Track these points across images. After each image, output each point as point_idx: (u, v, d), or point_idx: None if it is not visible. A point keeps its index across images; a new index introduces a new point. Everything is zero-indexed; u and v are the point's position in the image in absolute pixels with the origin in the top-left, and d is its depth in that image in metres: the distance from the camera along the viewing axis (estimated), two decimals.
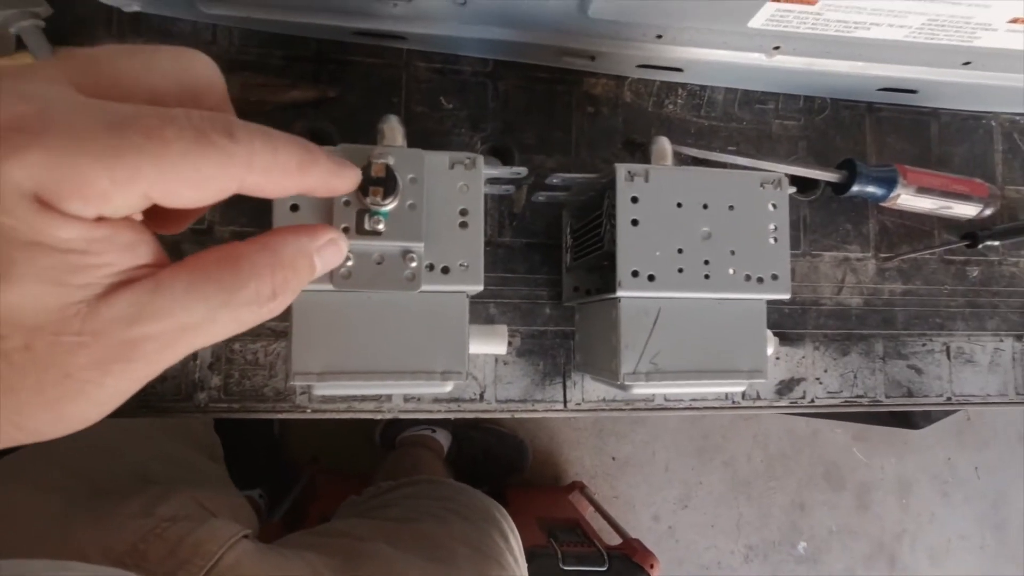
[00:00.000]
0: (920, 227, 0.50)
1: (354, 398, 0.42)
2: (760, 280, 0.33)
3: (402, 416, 0.43)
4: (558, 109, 0.46)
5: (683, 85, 0.48)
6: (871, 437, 1.55)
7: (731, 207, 0.33)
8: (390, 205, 0.29)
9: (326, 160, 0.21)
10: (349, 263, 0.29)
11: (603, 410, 0.45)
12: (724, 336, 0.34)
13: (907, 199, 0.46)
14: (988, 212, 0.48)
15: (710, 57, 0.42)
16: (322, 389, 0.32)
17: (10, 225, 0.15)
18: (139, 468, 0.51)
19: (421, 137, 0.44)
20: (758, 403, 0.46)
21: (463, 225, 0.31)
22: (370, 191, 0.27)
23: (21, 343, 0.16)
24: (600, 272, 0.42)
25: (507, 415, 0.44)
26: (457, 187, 0.31)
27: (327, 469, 1.25)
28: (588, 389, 0.44)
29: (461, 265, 0.30)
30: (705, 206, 0.33)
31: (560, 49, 0.42)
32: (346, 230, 0.29)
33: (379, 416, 0.43)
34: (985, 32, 0.39)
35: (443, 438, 1.24)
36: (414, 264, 0.30)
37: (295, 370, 0.30)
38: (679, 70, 0.45)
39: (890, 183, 0.46)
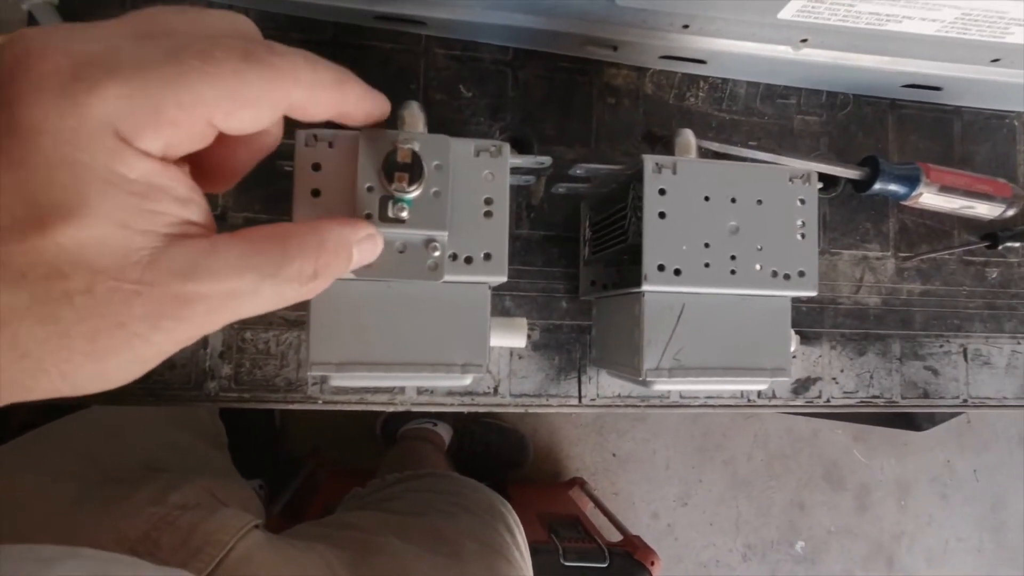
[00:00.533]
0: (940, 227, 0.49)
1: (367, 390, 0.41)
2: (787, 277, 0.33)
3: (415, 409, 0.42)
4: (578, 100, 0.45)
5: (705, 78, 0.47)
6: (871, 438, 1.55)
7: (759, 201, 0.33)
8: (415, 192, 0.28)
9: (359, 81, 0.22)
10: None
11: (618, 406, 0.44)
12: (748, 333, 0.34)
13: (929, 198, 0.46)
14: (1010, 213, 0.47)
15: (735, 49, 0.42)
16: (339, 380, 0.31)
17: (85, 161, 0.15)
18: (147, 457, 0.51)
19: (439, 125, 0.43)
20: (774, 402, 0.46)
21: (488, 215, 0.30)
22: (395, 177, 0.27)
23: (84, 285, 0.16)
24: (619, 267, 0.42)
25: (521, 410, 0.43)
26: (482, 175, 0.30)
27: (328, 461, 1.24)
28: (603, 384, 0.44)
29: (485, 255, 0.30)
30: (733, 200, 0.32)
31: (583, 38, 0.41)
32: (368, 216, 0.28)
33: (391, 408, 0.42)
34: (1019, 27, 0.38)
35: (445, 432, 1.24)
36: (437, 253, 0.29)
37: (313, 360, 0.30)
38: (702, 62, 0.44)
39: (913, 181, 0.45)
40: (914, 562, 1.52)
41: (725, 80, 0.47)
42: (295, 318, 0.41)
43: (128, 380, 0.18)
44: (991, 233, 0.48)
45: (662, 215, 0.32)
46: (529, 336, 0.36)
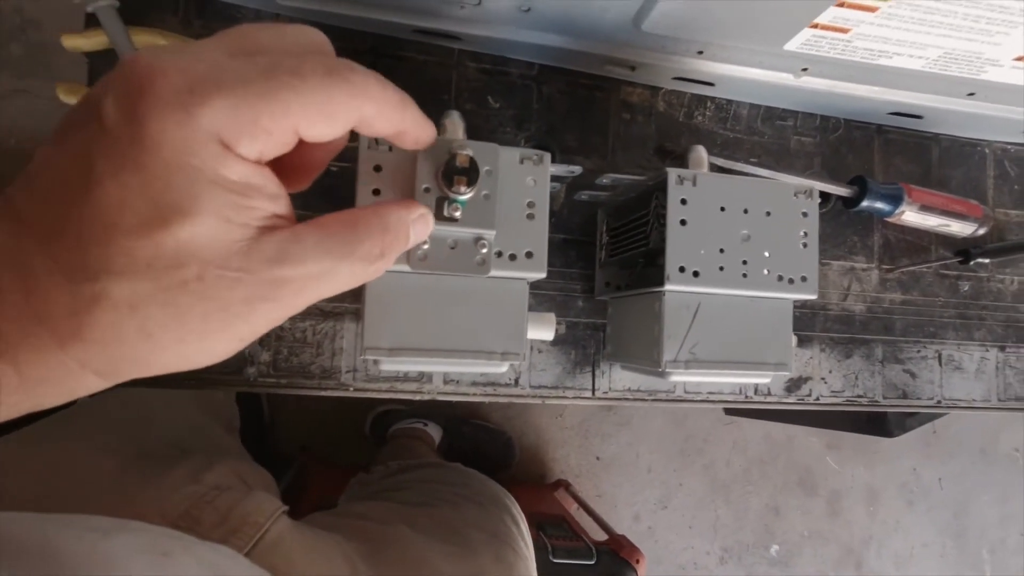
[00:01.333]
0: (919, 242, 0.54)
1: (397, 378, 0.44)
2: (791, 281, 0.36)
3: (440, 398, 0.45)
4: (597, 114, 0.49)
5: (712, 99, 0.51)
6: (843, 445, 1.61)
7: (768, 213, 0.36)
8: (468, 194, 0.31)
9: (417, 107, 0.25)
10: (425, 246, 0.32)
11: (628, 399, 0.47)
12: (755, 331, 0.37)
13: (911, 216, 0.50)
14: (981, 232, 0.52)
15: (742, 74, 0.46)
16: (389, 364, 0.34)
17: (196, 166, 0.18)
18: (175, 436, 0.52)
19: (469, 133, 0.46)
20: (769, 399, 0.50)
21: (530, 216, 0.33)
22: (455, 180, 0.30)
23: (195, 273, 0.18)
24: (632, 269, 0.45)
25: (538, 401, 0.46)
26: (526, 181, 0.33)
27: (318, 458, 1.25)
28: (615, 379, 0.47)
29: (527, 253, 0.33)
30: (745, 211, 0.36)
31: (605, 58, 0.45)
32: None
33: (419, 397, 0.45)
34: (992, 67, 0.43)
35: (435, 431, 1.26)
36: (485, 250, 0.32)
37: (366, 345, 0.32)
38: (711, 84, 0.48)
39: (896, 200, 0.49)
40: (882, 566, 1.58)
41: (730, 101, 0.51)
42: (331, 309, 0.43)
43: (229, 355, 0.21)
44: (964, 250, 0.53)
45: (683, 222, 0.35)
46: (557, 329, 0.39)
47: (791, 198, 0.37)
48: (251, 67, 0.19)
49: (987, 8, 0.36)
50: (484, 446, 1.36)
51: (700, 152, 0.41)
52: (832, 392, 0.51)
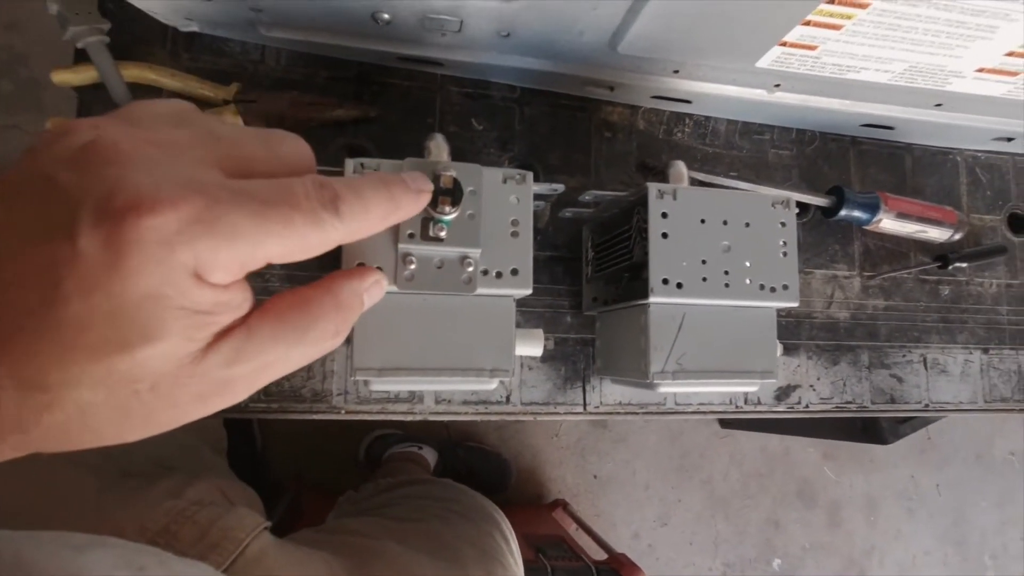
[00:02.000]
0: (898, 249, 0.55)
1: (389, 399, 0.44)
2: (772, 289, 0.37)
3: (431, 418, 0.45)
4: (578, 133, 0.50)
5: (690, 116, 0.52)
6: (840, 455, 1.61)
7: (747, 224, 0.37)
8: (453, 214, 0.32)
9: (408, 201, 0.24)
10: (412, 266, 0.32)
11: (619, 413, 0.48)
12: (740, 340, 0.38)
13: (888, 223, 0.51)
14: (957, 237, 0.53)
15: (718, 91, 0.47)
16: (380, 384, 0.34)
17: (167, 295, 0.18)
18: (159, 456, 0.52)
19: (453, 155, 0.47)
20: (759, 408, 0.50)
21: (514, 234, 0.34)
22: (439, 200, 0.30)
23: (150, 385, 0.19)
24: (619, 284, 0.46)
25: (530, 418, 0.47)
26: (509, 200, 0.34)
27: (312, 487, 1.23)
28: (606, 393, 0.48)
29: (512, 271, 0.34)
30: (725, 222, 0.37)
31: (584, 80, 0.46)
32: (411, 236, 0.32)
33: (410, 418, 0.45)
34: (956, 79, 0.44)
35: (430, 455, 1.25)
36: (471, 269, 0.33)
37: (356, 366, 0.33)
38: (688, 102, 0.50)
39: (874, 208, 0.51)
40: None
41: (708, 118, 0.53)
42: None
43: (172, 428, 0.21)
44: (942, 255, 0.54)
45: (665, 235, 0.36)
46: (546, 345, 0.40)
47: (769, 209, 0.38)
48: (243, 206, 0.19)
49: (947, 24, 0.38)
50: (480, 468, 1.35)
51: (680, 167, 0.42)
52: (821, 399, 0.51)
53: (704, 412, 0.49)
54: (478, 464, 1.35)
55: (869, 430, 1.05)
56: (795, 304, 0.38)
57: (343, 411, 0.44)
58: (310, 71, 0.45)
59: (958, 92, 0.46)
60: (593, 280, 0.47)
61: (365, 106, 0.45)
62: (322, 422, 0.44)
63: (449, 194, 0.30)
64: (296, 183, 0.20)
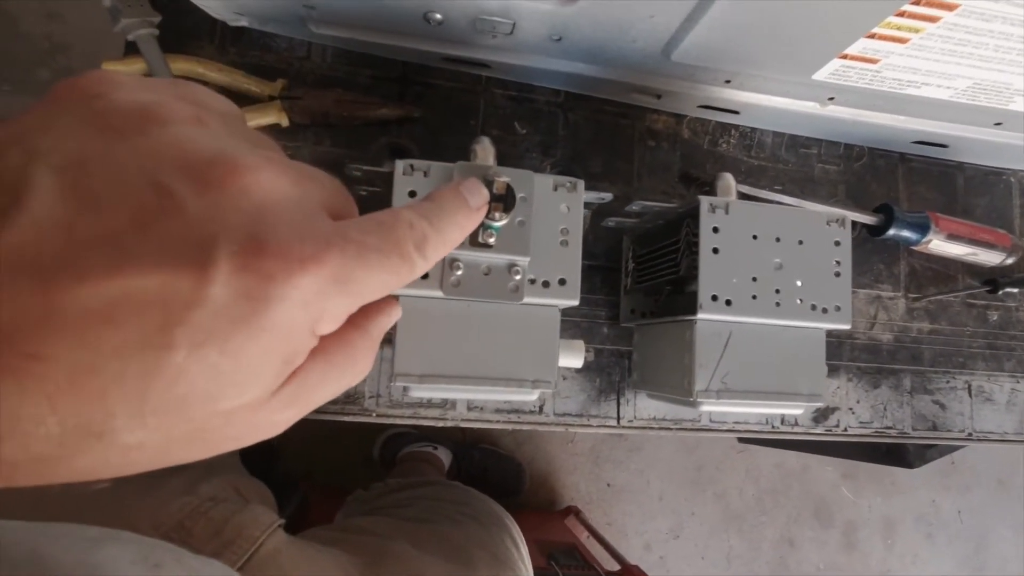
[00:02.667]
0: (946, 271, 0.54)
1: (420, 404, 0.43)
2: (824, 310, 0.36)
3: (463, 425, 0.44)
4: (622, 141, 0.49)
5: (736, 127, 0.51)
6: (859, 475, 1.58)
7: (800, 241, 0.36)
8: (503, 221, 0.31)
9: (472, 223, 0.24)
10: (459, 272, 0.31)
11: (653, 428, 0.47)
12: (787, 361, 0.37)
13: (938, 244, 0.50)
14: (1010, 261, 0.51)
15: (768, 103, 0.46)
16: (420, 391, 0.33)
17: (279, 349, 0.17)
18: None
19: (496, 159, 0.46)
20: (796, 429, 0.49)
21: (563, 243, 0.33)
22: (491, 206, 0.30)
23: (199, 426, 0.17)
24: (658, 297, 0.45)
25: (562, 429, 0.46)
26: (559, 208, 0.33)
27: (322, 486, 1.24)
28: (640, 407, 0.47)
29: (560, 281, 0.33)
30: (778, 239, 0.36)
31: (632, 86, 0.45)
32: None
33: (441, 424, 0.44)
34: (1021, 97, 0.43)
35: (444, 456, 1.24)
36: (518, 277, 0.32)
37: (397, 371, 0.32)
38: (736, 112, 0.49)
39: (923, 229, 0.49)
40: None
41: (754, 130, 0.51)
42: None
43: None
44: (992, 279, 0.53)
45: (716, 251, 0.35)
46: (586, 357, 0.39)
47: (823, 227, 0.37)
48: (365, 260, 0.18)
49: (1020, 40, 0.36)
50: (494, 472, 1.34)
51: (728, 180, 0.40)
52: (860, 423, 0.50)
53: (740, 431, 0.48)
54: (492, 467, 1.35)
55: (894, 453, 1.02)
56: (847, 327, 0.37)
57: (374, 414, 0.43)
58: (354, 69, 0.45)
59: (1021, 111, 0.45)
60: (632, 292, 0.46)
61: (409, 106, 0.44)
62: (352, 422, 0.43)
63: (502, 200, 0.30)
64: (396, 225, 0.20)
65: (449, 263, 0.31)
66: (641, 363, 0.45)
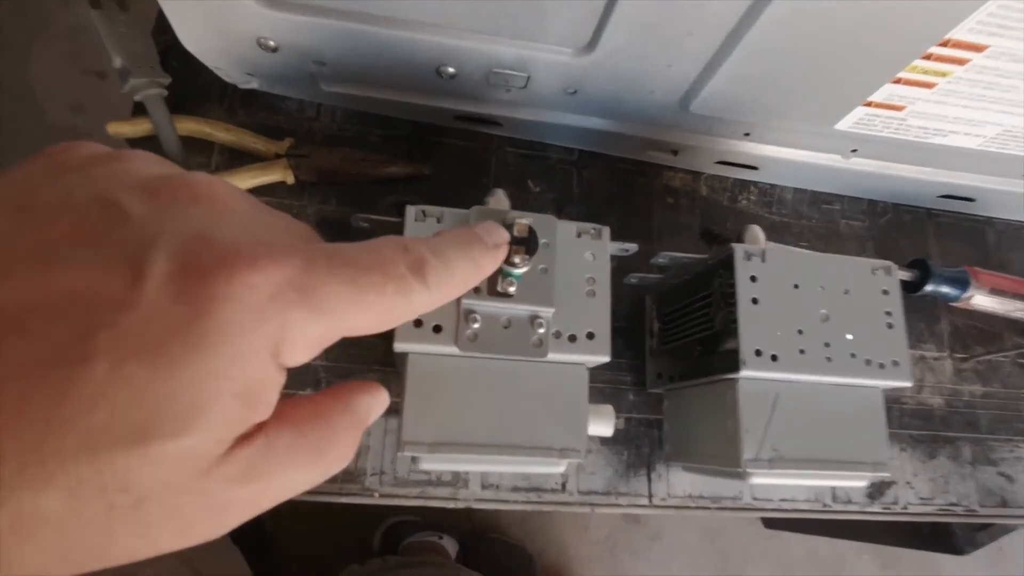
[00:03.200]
0: (990, 329, 0.50)
1: (428, 481, 0.39)
2: (881, 366, 0.32)
3: (476, 506, 0.40)
4: (639, 198, 0.47)
5: (755, 183, 0.50)
6: (900, 565, 1.45)
7: (846, 291, 0.33)
8: (524, 267, 0.28)
9: (488, 260, 0.22)
10: (476, 325, 0.28)
11: (689, 507, 0.42)
12: (843, 425, 0.33)
13: (980, 300, 0.47)
14: None
15: (788, 156, 0.45)
16: (431, 462, 0.29)
17: (232, 376, 0.13)
18: None
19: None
20: (850, 507, 0.43)
21: (590, 294, 0.30)
22: (511, 251, 0.27)
23: (134, 499, 0.13)
24: (687, 359, 0.41)
25: (587, 509, 0.41)
26: (584, 256, 0.31)
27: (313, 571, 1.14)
28: (674, 483, 0.42)
29: (588, 334, 0.30)
30: (821, 288, 0.33)
31: (647, 141, 0.44)
32: (476, 290, 0.28)
33: (451, 505, 0.39)
34: None
35: (450, 545, 1.16)
36: (542, 330, 0.29)
37: (405, 439, 0.28)
38: (754, 168, 0.47)
39: (963, 284, 0.46)
40: None
41: (773, 186, 0.50)
42: None
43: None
44: None
45: (755, 301, 0.32)
46: (616, 425, 0.35)
47: (869, 275, 0.34)
48: (340, 272, 0.16)
49: None
50: (503, 562, 1.24)
51: (756, 231, 0.38)
52: (921, 499, 0.45)
53: (787, 509, 0.43)
54: (501, 557, 1.25)
55: (939, 536, 0.93)
56: (907, 383, 0.33)
57: (377, 494, 0.38)
58: (364, 129, 0.44)
59: None
60: (658, 354, 0.43)
61: (418, 164, 0.43)
62: (351, 503, 0.38)
63: (524, 244, 0.27)
64: (383, 245, 0.17)
65: (465, 315, 0.28)
66: (674, 432, 0.41)
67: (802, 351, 0.32)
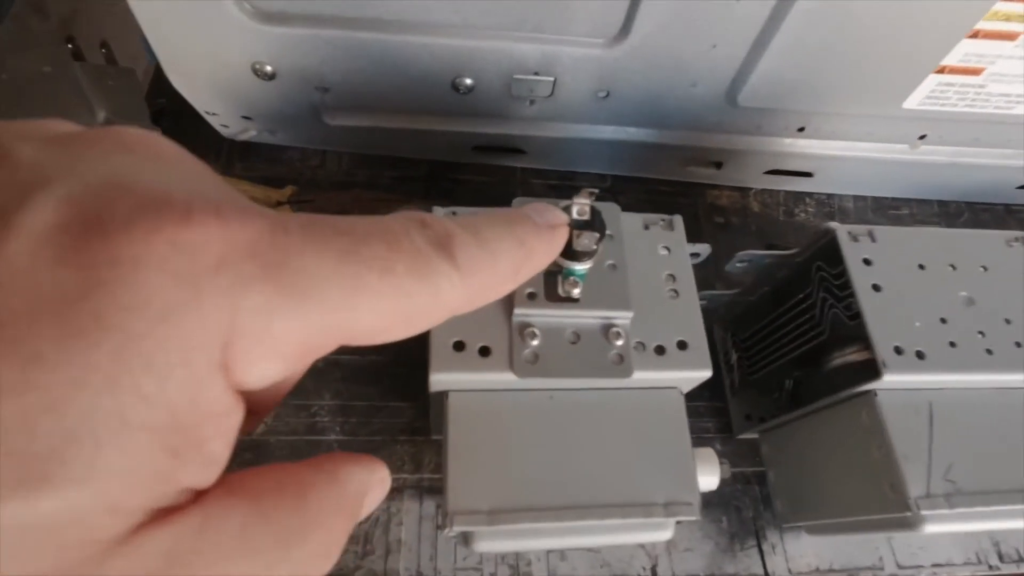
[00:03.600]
0: None
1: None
2: None
3: None
4: (686, 220, 0.42)
5: (810, 194, 0.44)
6: None
7: (984, 268, 0.27)
8: (588, 263, 0.22)
9: (541, 243, 0.16)
10: (535, 342, 0.22)
11: None
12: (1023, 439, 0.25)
13: None
14: None
15: (849, 153, 0.40)
16: (489, 540, 0.21)
17: (147, 393, 0.09)
18: None
19: None
20: (1023, 566, 0.34)
21: (673, 293, 0.24)
22: (573, 239, 0.21)
23: None
24: (776, 392, 0.34)
25: None
26: (658, 250, 0.25)
27: None
28: (793, 554, 0.32)
29: (679, 344, 0.23)
30: (953, 267, 0.26)
31: (688, 153, 0.40)
32: (531, 296, 0.22)
33: None
34: None
35: None
36: (621, 342, 0.22)
37: (453, 509, 0.21)
38: (809, 175, 0.42)
39: None
40: None
41: (831, 196, 0.45)
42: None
43: None
44: None
45: (876, 288, 0.25)
46: (723, 472, 0.27)
47: (1005, 248, 0.28)
48: (323, 241, 0.11)
49: None
50: None
51: (840, 229, 0.32)
52: None
53: None
54: None
55: None
56: None
57: None
58: (375, 172, 0.40)
59: None
60: (741, 391, 0.36)
61: (435, 202, 0.38)
62: None
63: (589, 227, 0.21)
64: (393, 218, 0.12)
65: (519, 330, 0.22)
66: (784, 484, 0.32)
67: (953, 344, 0.25)
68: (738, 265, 0.31)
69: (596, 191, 0.21)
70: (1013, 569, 0.34)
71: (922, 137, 0.39)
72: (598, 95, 0.34)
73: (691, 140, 0.38)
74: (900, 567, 0.33)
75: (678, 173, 0.42)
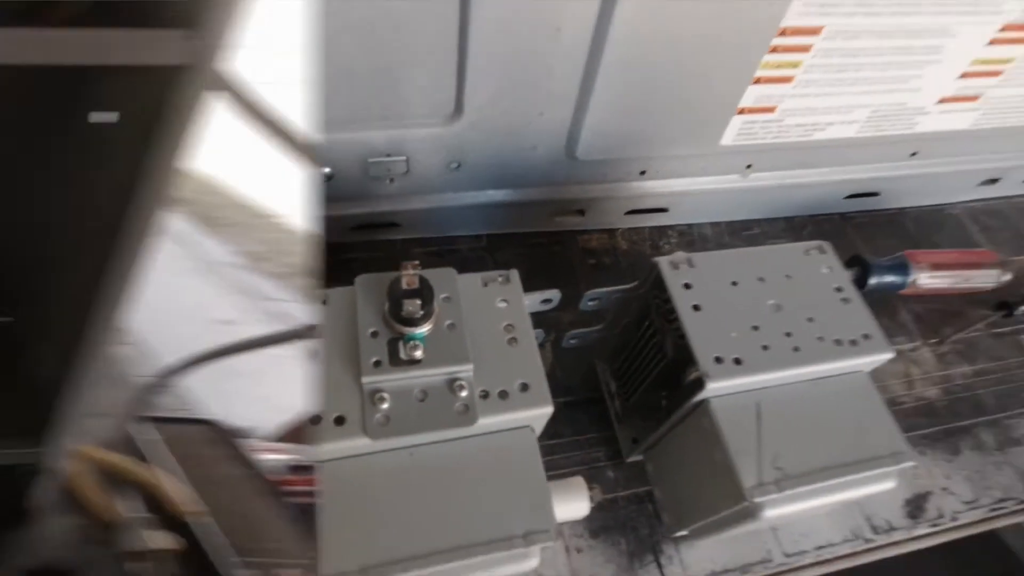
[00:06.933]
0: (949, 308, 0.48)
1: None
2: (853, 343, 0.29)
3: None
4: (560, 267, 0.45)
5: (671, 227, 0.49)
6: None
7: (788, 276, 0.31)
8: (427, 326, 0.25)
9: None
10: (384, 406, 0.24)
11: None
12: (840, 420, 0.28)
13: (926, 280, 0.45)
14: (1006, 278, 0.47)
15: (692, 187, 0.45)
16: None
17: None
18: None
19: None
20: (894, 535, 0.37)
21: (512, 342, 0.26)
22: (403, 306, 0.24)
23: None
24: (657, 411, 0.37)
25: None
26: (496, 304, 0.27)
27: None
28: (689, 561, 0.35)
29: (521, 386, 0.25)
30: (761, 279, 0.30)
31: (551, 206, 0.43)
32: (377, 364, 0.24)
33: None
34: (921, 116, 0.43)
35: None
36: (465, 393, 0.24)
37: (325, 572, 0.22)
38: (664, 210, 0.47)
39: (904, 269, 0.45)
40: None
41: (690, 226, 0.49)
42: None
43: None
44: (1003, 302, 0.47)
45: (696, 307, 0.29)
46: (591, 497, 0.29)
47: (803, 257, 0.32)
48: None
49: (893, 52, 0.37)
50: None
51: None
52: (966, 504, 0.39)
53: (828, 559, 0.36)
54: None
55: None
56: (889, 355, 0.29)
57: None
58: None
59: (928, 132, 0.45)
60: (626, 418, 0.38)
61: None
62: None
63: (416, 295, 0.24)
64: None
65: (370, 396, 0.24)
66: (667, 496, 0.35)
67: (765, 347, 0.28)
68: (589, 303, 0.34)
69: (418, 263, 0.24)
70: (886, 539, 0.37)
71: (749, 166, 0.45)
72: (451, 166, 0.38)
73: (549, 194, 0.42)
74: (787, 555, 0.35)
75: (547, 224, 0.46)
